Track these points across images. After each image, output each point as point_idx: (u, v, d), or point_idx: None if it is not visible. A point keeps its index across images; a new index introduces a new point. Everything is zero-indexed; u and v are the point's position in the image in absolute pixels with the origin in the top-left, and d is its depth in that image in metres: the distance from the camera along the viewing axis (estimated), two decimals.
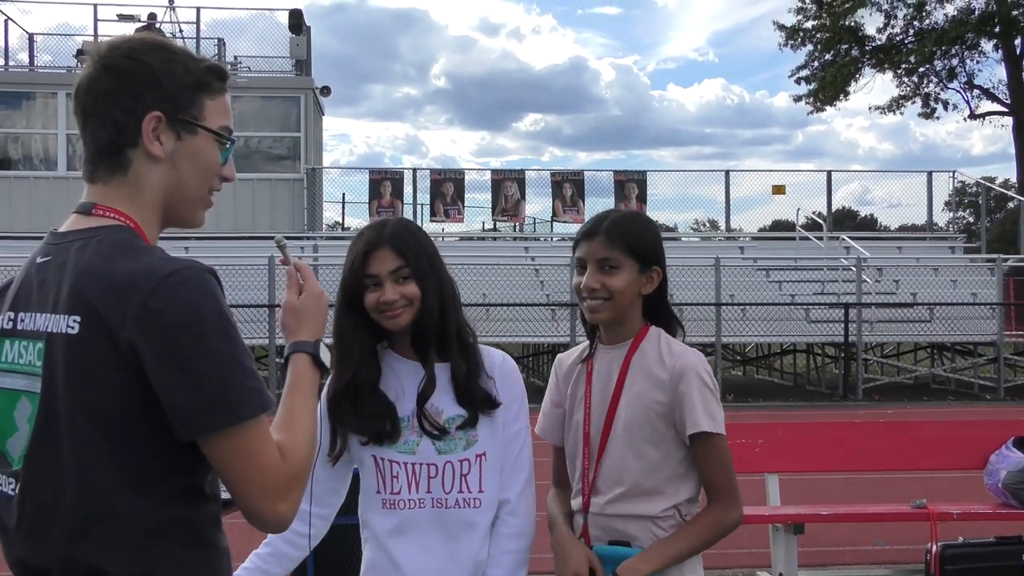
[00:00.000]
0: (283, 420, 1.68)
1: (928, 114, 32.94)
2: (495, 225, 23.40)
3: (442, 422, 2.28)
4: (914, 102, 33.15)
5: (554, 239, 22.46)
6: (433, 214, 20.84)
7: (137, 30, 18.60)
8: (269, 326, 15.41)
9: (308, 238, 19.98)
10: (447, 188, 21.19)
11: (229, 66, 21.09)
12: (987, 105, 33.00)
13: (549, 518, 2.47)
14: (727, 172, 22.72)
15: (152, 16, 20.90)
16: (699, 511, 2.40)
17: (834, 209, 23.51)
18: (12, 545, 1.63)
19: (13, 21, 21.74)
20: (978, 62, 32.57)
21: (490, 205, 21.68)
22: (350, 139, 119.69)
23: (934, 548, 5.50)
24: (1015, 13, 29.25)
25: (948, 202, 24.94)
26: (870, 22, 35.23)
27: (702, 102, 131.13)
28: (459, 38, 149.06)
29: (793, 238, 21.78)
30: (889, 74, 32.93)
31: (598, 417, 2.41)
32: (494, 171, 22.16)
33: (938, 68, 32.36)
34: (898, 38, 32.22)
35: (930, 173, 22.87)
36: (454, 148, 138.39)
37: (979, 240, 22.92)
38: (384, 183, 21.17)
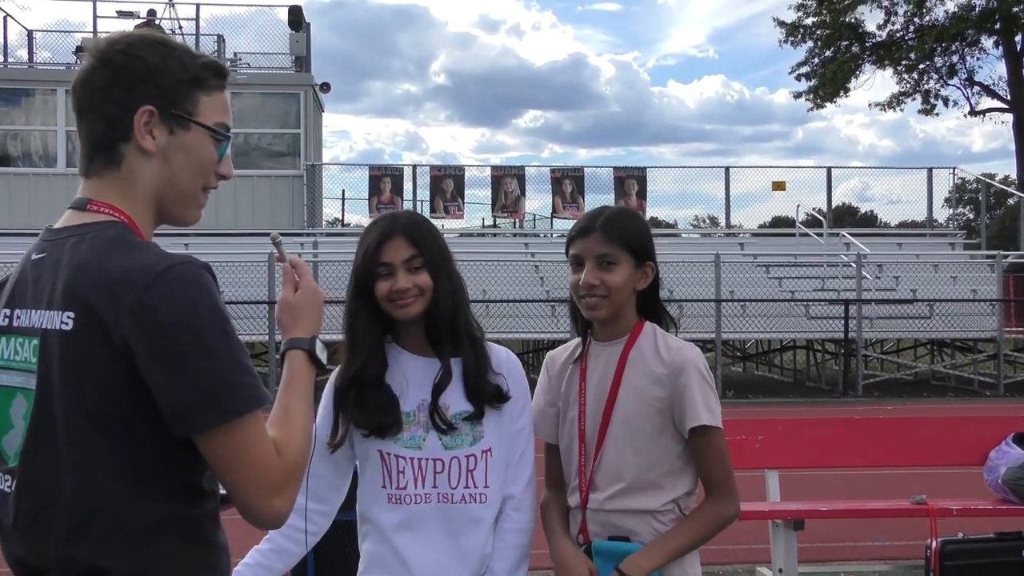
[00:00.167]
0: (279, 416, 1.68)
1: (928, 111, 32.91)
2: (495, 222, 23.42)
3: (449, 417, 2.29)
4: (914, 99, 33.12)
5: (554, 236, 22.46)
6: (433, 211, 20.83)
7: (136, 27, 18.57)
8: (269, 322, 15.41)
9: (308, 234, 19.97)
10: (447, 185, 21.18)
11: (228, 63, 21.11)
12: (987, 102, 32.98)
13: (545, 526, 2.46)
14: (727, 168, 22.73)
15: (152, 13, 20.88)
16: (698, 505, 2.41)
17: (834, 205, 23.52)
18: (10, 543, 1.63)
19: (12, 18, 21.73)
20: (978, 59, 32.54)
21: (490, 202, 21.68)
22: (350, 136, 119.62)
23: (934, 544, 5.51)
24: (1016, 9, 29.20)
25: (948, 198, 24.97)
26: (870, 18, 35.16)
27: (702, 99, 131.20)
28: (459, 35, 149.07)
29: (793, 234, 21.78)
30: (889, 71, 32.90)
31: (594, 413, 2.41)
32: (494, 168, 22.17)
33: (938, 65, 32.32)
34: (898, 35, 32.18)
35: (930, 170, 22.87)
36: (454, 145, 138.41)
37: (979, 236, 22.93)
38: (384, 180, 21.16)
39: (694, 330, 15.58)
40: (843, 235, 20.74)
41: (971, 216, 37.30)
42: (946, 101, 32.80)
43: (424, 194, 21.28)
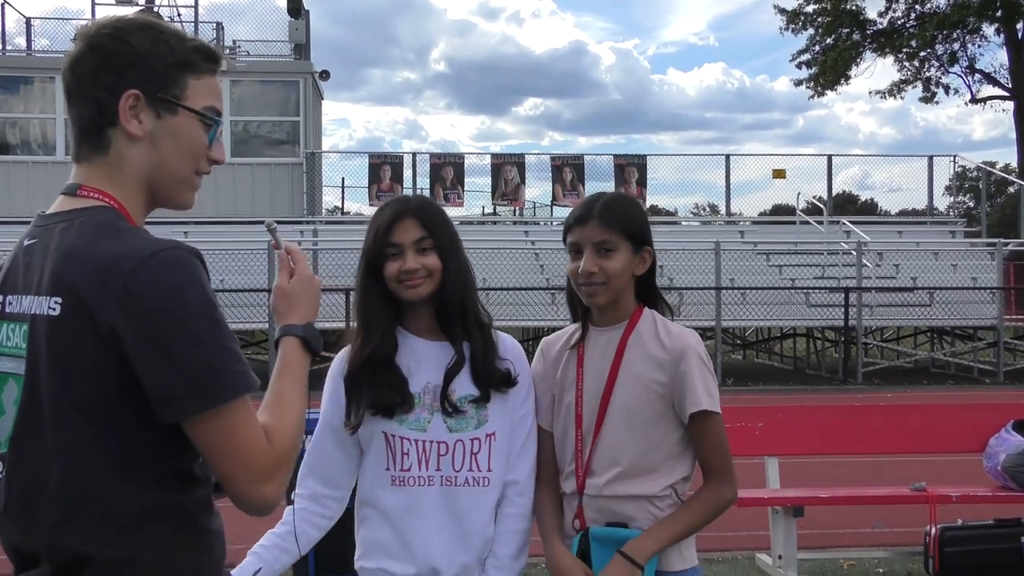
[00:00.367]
0: (271, 403, 1.68)
1: (929, 98, 32.85)
2: (495, 209, 23.39)
3: (455, 400, 2.30)
4: (915, 86, 33.05)
5: (554, 223, 22.45)
6: (432, 198, 20.81)
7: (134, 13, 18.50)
8: (268, 310, 15.37)
9: (308, 222, 19.95)
10: (447, 172, 21.16)
11: (227, 50, 21.08)
12: (988, 90, 32.91)
13: (539, 525, 2.45)
14: (727, 156, 22.72)
15: (150, 0, 20.82)
16: (697, 489, 2.41)
17: (834, 193, 23.50)
18: (4, 529, 1.63)
19: (10, 5, 21.66)
20: (979, 46, 32.47)
21: (490, 189, 21.67)
22: (349, 124, 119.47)
23: (933, 531, 5.52)
24: None
25: (949, 187, 24.94)
26: (871, 6, 35.09)
27: (702, 86, 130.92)
28: (458, 22, 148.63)
29: (793, 222, 21.76)
30: (890, 58, 32.82)
31: (592, 399, 2.41)
32: (494, 155, 22.16)
33: (939, 52, 32.23)
34: (899, 22, 32.09)
35: (931, 158, 22.84)
36: (454, 132, 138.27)
37: (979, 224, 22.91)
38: (384, 167, 21.14)
39: (694, 318, 15.58)
40: (843, 223, 20.72)
41: (971, 204, 37.25)
42: (947, 89, 32.76)
43: (424, 182, 21.30)
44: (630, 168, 21.56)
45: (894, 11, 31.95)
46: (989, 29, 31.24)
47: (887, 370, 17.50)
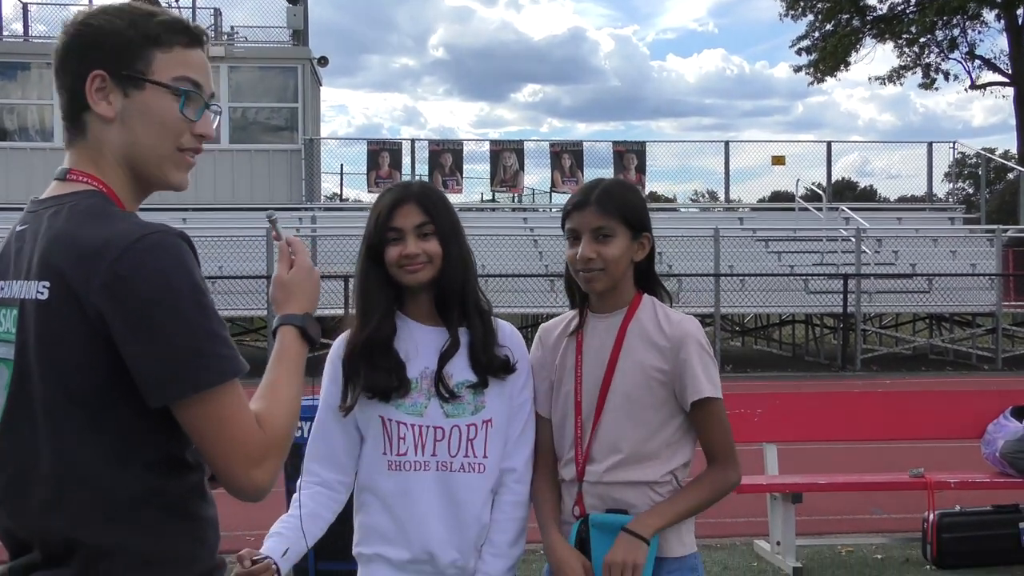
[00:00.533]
0: (265, 390, 1.67)
1: (928, 84, 32.77)
2: (494, 196, 23.37)
3: (452, 385, 2.30)
4: (915, 72, 32.98)
5: (553, 210, 22.41)
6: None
7: None
8: (267, 297, 15.36)
9: (306, 209, 19.93)
10: (445, 159, 21.13)
11: (225, 36, 21.02)
12: (988, 76, 32.85)
13: (537, 516, 2.44)
14: (727, 143, 22.70)
15: None
16: (701, 472, 2.41)
17: (834, 180, 23.48)
18: None
19: None
20: (979, 32, 32.40)
21: (489, 176, 21.64)
22: (348, 110, 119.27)
23: (931, 517, 5.53)
24: None
25: (948, 173, 24.93)
26: None
27: (702, 73, 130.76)
28: (457, 8, 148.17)
29: (792, 209, 21.75)
30: (890, 44, 32.73)
31: (591, 386, 2.41)
32: (492, 142, 22.13)
33: (939, 38, 32.15)
34: (899, 8, 31.98)
35: (930, 144, 22.81)
36: (452, 119, 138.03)
37: (979, 211, 22.90)
38: (382, 154, 21.11)
39: (693, 304, 15.58)
40: (842, 210, 20.71)
41: (971, 191, 37.22)
42: (947, 75, 32.68)
43: (423, 168, 21.27)
44: (629, 155, 21.52)
45: None
46: (989, 15, 31.16)
47: (886, 357, 17.51)
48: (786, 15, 32.46)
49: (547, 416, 2.48)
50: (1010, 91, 31.18)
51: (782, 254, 18.71)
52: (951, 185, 25.94)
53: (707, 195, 37.37)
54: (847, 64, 32.70)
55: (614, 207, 2.37)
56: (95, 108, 1.62)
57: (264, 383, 1.69)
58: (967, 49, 32.23)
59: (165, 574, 1.56)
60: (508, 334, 2.40)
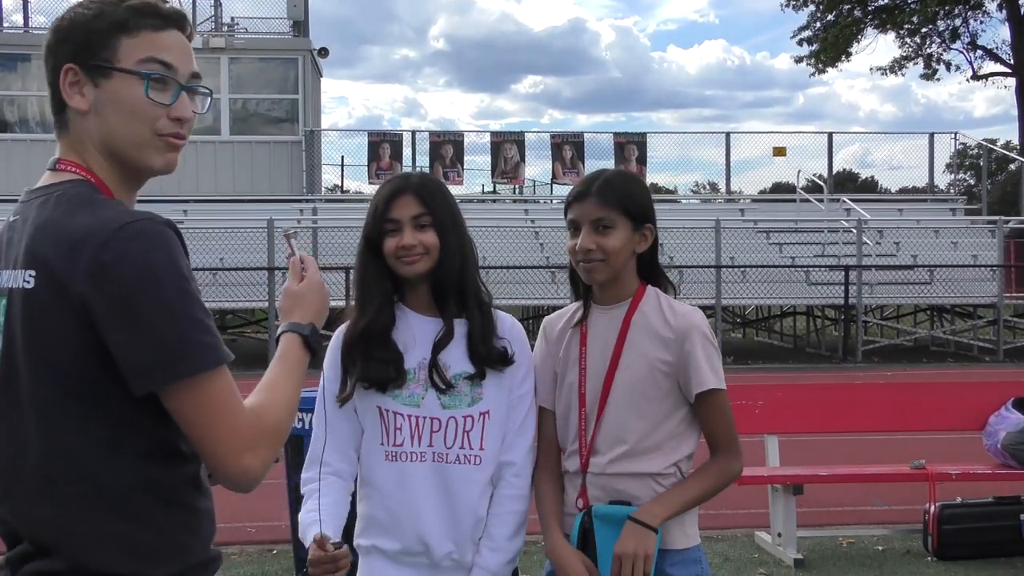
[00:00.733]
0: (262, 385, 1.67)
1: (930, 75, 32.71)
2: (495, 188, 23.34)
3: (449, 376, 2.29)
4: (916, 63, 32.91)
5: (554, 202, 22.38)
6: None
7: None
8: (269, 289, 15.39)
9: (307, 201, 19.91)
10: (446, 150, 21.10)
11: (226, 27, 20.98)
12: (990, 66, 32.76)
13: (540, 515, 2.44)
14: (727, 134, 22.63)
15: None
16: (705, 462, 2.41)
17: (835, 171, 23.42)
18: None
19: None
20: (981, 22, 32.28)
21: (489, 168, 21.60)
22: (348, 101, 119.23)
23: (932, 508, 5.53)
24: None
25: (949, 164, 24.87)
26: None
27: (703, 64, 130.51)
28: None
29: (794, 200, 21.71)
30: (891, 35, 32.65)
31: (595, 378, 2.41)
32: (493, 133, 22.08)
33: (941, 28, 32.06)
34: None
35: (931, 135, 22.77)
36: (453, 110, 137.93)
37: (980, 202, 22.86)
38: (383, 146, 21.07)
39: (694, 296, 15.55)
40: (844, 201, 20.66)
41: (972, 182, 37.19)
42: (948, 65, 32.63)
43: (423, 160, 21.22)
44: (630, 146, 21.49)
45: None
46: (991, 5, 31.09)
47: (887, 348, 17.51)
48: (787, 6, 32.38)
49: (551, 408, 2.48)
50: (1012, 81, 31.11)
51: (783, 245, 18.68)
52: (952, 176, 25.89)
53: (708, 186, 37.29)
54: (848, 55, 32.64)
55: (615, 198, 2.37)
56: (69, 102, 1.63)
57: (262, 381, 1.69)
58: (969, 39, 32.17)
59: (158, 565, 1.55)
60: (509, 326, 2.39)
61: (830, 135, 22.63)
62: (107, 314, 1.48)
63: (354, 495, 2.38)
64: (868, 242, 17.67)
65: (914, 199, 23.21)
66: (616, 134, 21.88)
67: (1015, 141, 32.89)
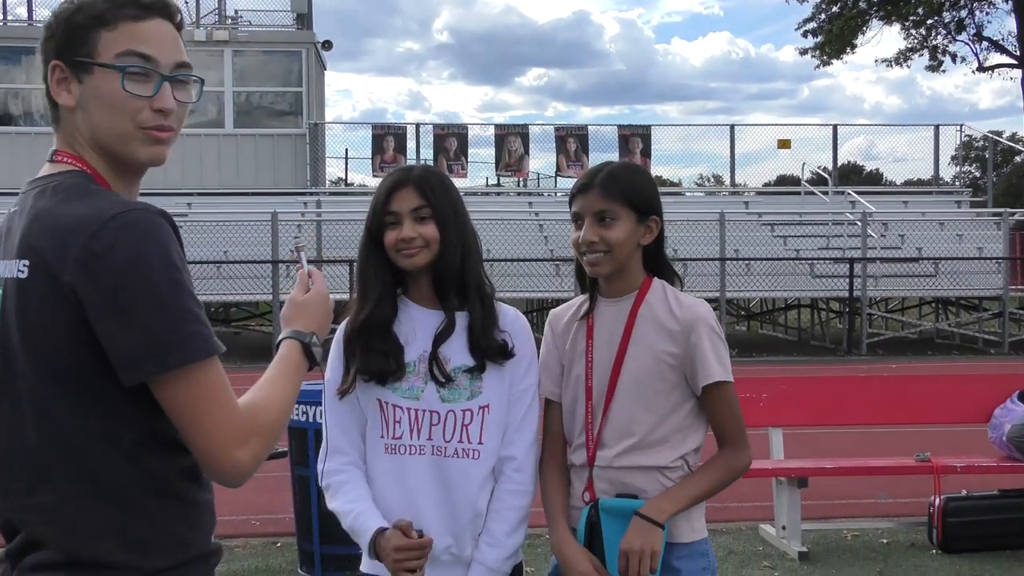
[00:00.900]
0: (259, 384, 1.67)
1: (935, 67, 32.56)
2: (499, 180, 23.33)
3: (448, 370, 2.29)
4: (921, 55, 32.76)
5: (558, 194, 22.36)
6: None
7: None
8: (272, 282, 15.40)
9: (311, 194, 19.91)
10: (450, 143, 21.09)
11: (229, 20, 20.96)
12: (995, 58, 32.62)
13: (546, 511, 2.43)
14: (732, 127, 22.63)
15: None
16: (712, 456, 2.40)
17: (840, 163, 23.44)
18: None
19: None
20: (987, 13, 32.13)
21: (494, 160, 21.60)
22: (352, 95, 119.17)
23: (937, 501, 5.53)
24: None
25: (955, 156, 24.79)
26: None
27: (707, 56, 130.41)
28: None
29: (798, 193, 21.67)
30: (896, 26, 32.51)
31: (602, 371, 2.40)
32: (497, 126, 22.08)
33: (946, 20, 31.93)
34: None
35: (937, 127, 22.73)
36: (457, 103, 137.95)
37: (985, 194, 22.82)
38: (387, 139, 21.06)
39: (698, 289, 15.54)
40: (848, 193, 20.62)
41: (977, 174, 37.09)
42: (954, 57, 32.46)
43: (427, 153, 21.21)
44: (634, 139, 21.46)
45: None
46: None
47: (892, 341, 17.49)
48: None
49: (558, 401, 2.47)
50: (1018, 73, 30.99)
51: (788, 238, 18.66)
52: (958, 168, 25.82)
53: (712, 179, 37.25)
54: (853, 47, 32.50)
55: (617, 190, 2.36)
56: (56, 99, 1.63)
57: (260, 380, 1.68)
58: (974, 31, 32.02)
59: (153, 556, 1.54)
60: (512, 319, 2.38)
61: (835, 127, 22.62)
62: (97, 304, 1.47)
63: None
64: (873, 235, 17.64)
65: (919, 191, 23.17)
66: (620, 127, 21.88)
67: (1021, 133, 32.90)
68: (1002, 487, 5.75)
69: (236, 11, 21.44)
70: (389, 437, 2.30)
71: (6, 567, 1.57)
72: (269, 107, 21.23)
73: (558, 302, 2.62)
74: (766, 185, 25.04)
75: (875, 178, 35.90)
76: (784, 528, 5.61)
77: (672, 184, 25.26)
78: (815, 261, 17.68)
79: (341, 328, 2.38)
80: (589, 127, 22.05)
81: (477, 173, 25.12)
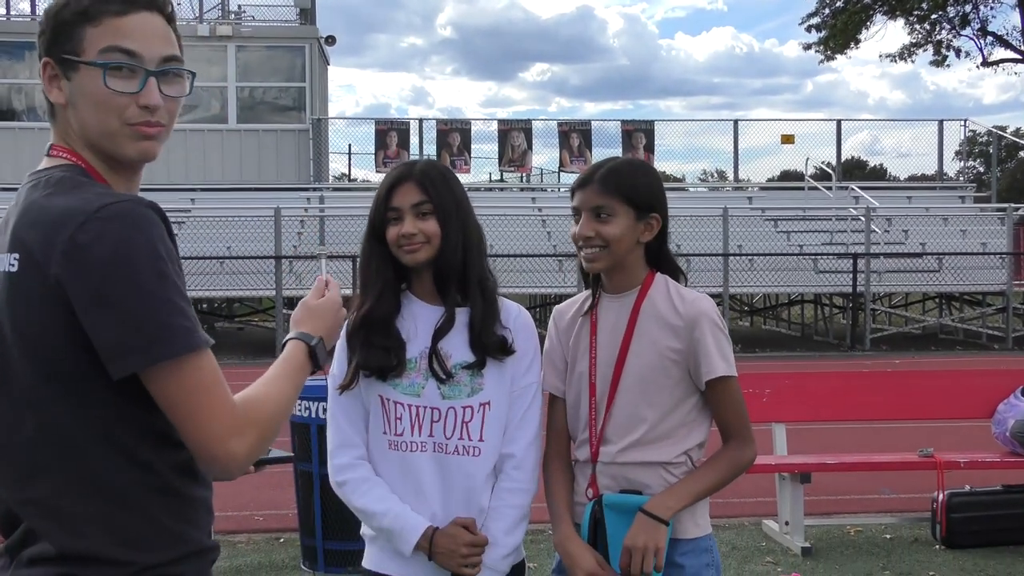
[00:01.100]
0: (259, 379, 1.66)
1: (940, 62, 32.51)
2: (502, 176, 23.31)
3: (449, 366, 2.28)
4: (926, 49, 32.70)
5: (561, 190, 22.34)
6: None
7: None
8: (276, 277, 15.39)
9: (314, 189, 19.92)
10: (453, 139, 21.07)
11: (232, 15, 20.95)
12: (1000, 52, 32.57)
13: (549, 506, 2.43)
14: (735, 122, 22.55)
15: None
16: (717, 451, 2.40)
17: (843, 159, 23.34)
18: None
19: None
20: (992, 8, 32.07)
21: (497, 156, 21.57)
22: (355, 90, 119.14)
23: (941, 496, 5.52)
24: None
25: (959, 151, 24.76)
26: None
27: (711, 51, 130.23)
28: None
29: (802, 188, 21.66)
30: (901, 21, 32.45)
31: (605, 367, 2.40)
32: (501, 121, 22.03)
33: (951, 15, 31.87)
34: None
35: (941, 122, 22.67)
36: (460, 99, 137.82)
37: (989, 189, 22.77)
38: (390, 134, 21.05)
39: (702, 284, 15.51)
40: (852, 188, 20.59)
41: (982, 169, 36.98)
42: (958, 52, 32.42)
43: (431, 148, 21.17)
44: (637, 134, 21.43)
45: None
46: None
47: (895, 336, 17.47)
48: None
49: (562, 397, 2.47)
50: (1022, 68, 30.99)
51: (791, 233, 18.63)
52: (962, 163, 25.76)
53: (716, 174, 37.23)
54: (857, 42, 32.46)
55: (616, 187, 2.35)
56: (48, 96, 1.63)
57: (260, 378, 1.68)
58: (979, 25, 31.96)
59: (151, 552, 1.54)
60: (515, 315, 2.37)
61: (839, 122, 22.55)
62: (83, 296, 1.46)
63: None
64: (877, 230, 17.60)
65: (923, 187, 23.13)
66: (624, 122, 21.83)
67: None
68: (1006, 482, 5.75)
69: (239, 6, 21.43)
70: (391, 433, 2.29)
71: (5, 560, 1.57)
72: (272, 102, 21.23)
73: (561, 298, 2.62)
74: (770, 180, 25.00)
75: (879, 173, 35.88)
76: (787, 524, 5.61)
77: (676, 180, 25.25)
78: (819, 256, 17.66)
79: (344, 324, 2.38)
80: (592, 122, 22.01)
81: (480, 168, 25.10)
